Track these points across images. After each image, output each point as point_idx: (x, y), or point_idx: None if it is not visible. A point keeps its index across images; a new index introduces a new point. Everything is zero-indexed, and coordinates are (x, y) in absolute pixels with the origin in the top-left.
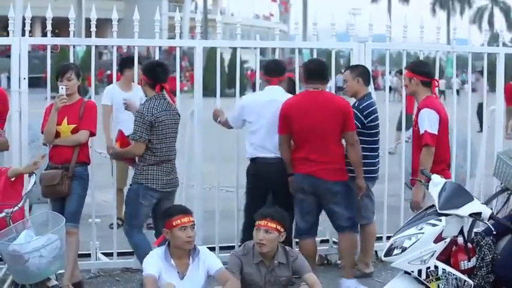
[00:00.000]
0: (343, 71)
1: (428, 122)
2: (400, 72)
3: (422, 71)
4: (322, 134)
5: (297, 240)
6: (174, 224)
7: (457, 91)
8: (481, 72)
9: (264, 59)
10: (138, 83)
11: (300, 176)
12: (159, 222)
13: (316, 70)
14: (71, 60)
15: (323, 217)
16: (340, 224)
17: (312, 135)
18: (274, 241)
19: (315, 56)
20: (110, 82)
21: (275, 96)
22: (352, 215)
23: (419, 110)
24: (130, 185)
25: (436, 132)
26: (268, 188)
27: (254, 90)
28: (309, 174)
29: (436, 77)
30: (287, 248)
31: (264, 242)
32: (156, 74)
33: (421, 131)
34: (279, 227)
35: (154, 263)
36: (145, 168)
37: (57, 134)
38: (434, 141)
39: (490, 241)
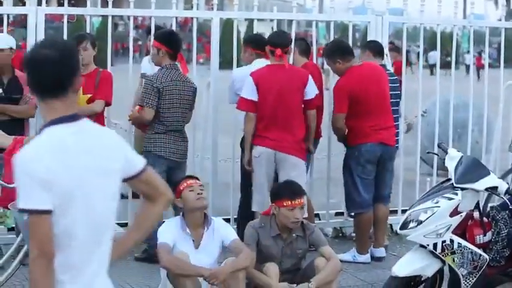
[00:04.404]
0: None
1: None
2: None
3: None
4: (385, 102)
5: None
6: (181, 187)
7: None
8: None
9: None
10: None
11: (373, 145)
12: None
13: (346, 46)
14: (87, 31)
15: (338, 189)
16: (385, 193)
17: (377, 104)
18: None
19: (331, 29)
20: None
21: None
22: None
23: None
24: (141, 154)
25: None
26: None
27: None
28: (381, 143)
29: (453, 51)
30: (304, 221)
31: (300, 220)
32: (178, 44)
33: None
34: None
35: (169, 232)
36: (152, 136)
37: None
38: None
39: (506, 215)
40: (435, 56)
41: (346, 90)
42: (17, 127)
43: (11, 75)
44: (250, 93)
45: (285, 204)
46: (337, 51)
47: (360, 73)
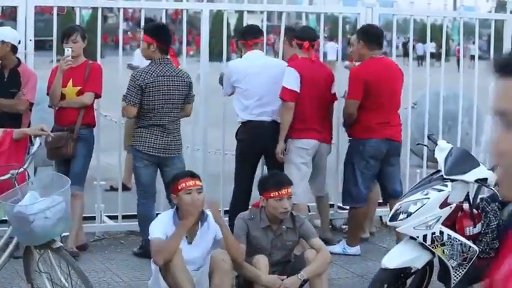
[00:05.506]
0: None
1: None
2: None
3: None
4: (395, 99)
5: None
6: (179, 187)
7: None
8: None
9: (271, 24)
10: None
11: (379, 141)
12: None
13: (373, 34)
14: (77, 23)
15: (329, 180)
16: (397, 187)
17: (387, 100)
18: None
19: (321, 21)
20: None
21: (260, 60)
22: None
23: None
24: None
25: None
26: (261, 151)
27: None
28: (388, 139)
29: (443, 43)
30: (294, 213)
31: (289, 209)
32: (169, 38)
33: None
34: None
35: (162, 226)
36: (136, 131)
37: (63, 96)
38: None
39: (496, 207)
40: (424, 47)
41: (362, 77)
42: (14, 120)
43: (12, 68)
44: (294, 83)
45: (272, 195)
46: (363, 33)
47: (378, 65)
